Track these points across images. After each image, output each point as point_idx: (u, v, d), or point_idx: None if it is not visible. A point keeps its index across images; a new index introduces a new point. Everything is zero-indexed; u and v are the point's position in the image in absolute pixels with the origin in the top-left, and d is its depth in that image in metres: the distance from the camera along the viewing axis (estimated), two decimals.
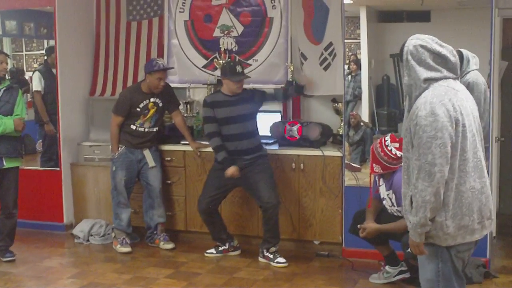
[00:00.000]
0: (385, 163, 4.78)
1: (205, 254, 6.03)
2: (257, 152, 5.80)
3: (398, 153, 4.74)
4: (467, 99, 3.21)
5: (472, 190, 3.13)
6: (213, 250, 6.05)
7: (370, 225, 4.92)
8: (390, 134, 4.93)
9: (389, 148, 4.76)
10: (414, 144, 3.12)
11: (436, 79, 3.15)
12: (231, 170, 5.68)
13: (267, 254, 5.79)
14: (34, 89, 7.29)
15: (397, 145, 4.77)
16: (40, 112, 7.28)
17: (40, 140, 7.55)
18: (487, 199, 3.20)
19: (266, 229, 5.79)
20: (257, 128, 5.90)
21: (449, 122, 3.05)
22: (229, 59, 6.48)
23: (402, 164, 3.30)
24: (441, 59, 3.17)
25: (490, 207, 3.22)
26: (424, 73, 3.15)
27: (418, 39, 3.20)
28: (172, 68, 6.83)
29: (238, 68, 5.69)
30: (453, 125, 3.06)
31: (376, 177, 5.00)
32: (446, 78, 3.17)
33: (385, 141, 4.81)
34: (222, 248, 6.04)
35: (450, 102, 3.08)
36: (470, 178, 3.13)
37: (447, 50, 3.20)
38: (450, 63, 3.19)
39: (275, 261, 5.73)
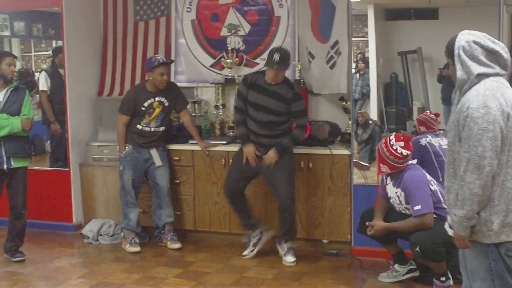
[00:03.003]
0: (392, 163, 4.77)
1: (244, 257, 5.92)
2: (281, 139, 5.67)
3: (404, 152, 4.72)
4: None
5: None
6: (248, 251, 5.94)
7: (378, 223, 4.90)
8: (394, 133, 4.91)
9: (394, 147, 4.74)
10: (462, 136, 3.08)
11: (488, 75, 3.13)
12: (248, 149, 5.67)
13: (283, 244, 5.79)
14: (40, 89, 7.34)
15: (402, 143, 4.76)
16: (46, 111, 7.32)
17: (48, 141, 7.58)
18: None
19: (281, 225, 5.78)
20: (288, 120, 5.71)
21: (501, 116, 3.03)
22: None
23: (447, 157, 3.25)
24: (493, 56, 3.14)
25: None
26: (477, 69, 3.12)
27: (470, 35, 3.17)
28: (173, 61, 6.81)
29: (275, 56, 5.51)
30: (505, 120, 3.04)
31: (384, 176, 4.98)
32: (498, 74, 3.16)
33: (390, 140, 4.79)
34: (256, 239, 5.92)
35: (502, 97, 3.07)
36: None
37: (500, 47, 3.16)
38: (503, 60, 3.16)
39: (284, 257, 5.74)
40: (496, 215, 3.08)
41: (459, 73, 3.16)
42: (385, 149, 4.78)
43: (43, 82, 7.35)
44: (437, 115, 5.49)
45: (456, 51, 3.17)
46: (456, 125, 3.14)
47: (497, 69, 3.15)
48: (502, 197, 3.08)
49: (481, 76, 3.12)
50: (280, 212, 5.73)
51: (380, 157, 4.83)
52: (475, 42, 3.14)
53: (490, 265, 3.16)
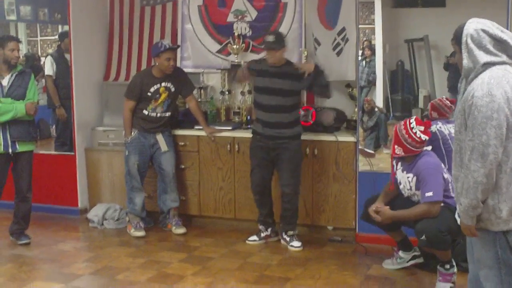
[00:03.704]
0: (408, 146, 4.69)
1: (247, 242, 5.97)
2: (290, 128, 5.68)
3: (423, 137, 4.66)
4: None
5: None
6: (255, 237, 5.99)
7: (385, 209, 4.87)
8: (415, 116, 4.86)
9: (414, 131, 4.67)
10: (468, 124, 3.08)
11: (494, 63, 3.11)
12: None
13: (284, 236, 5.85)
14: (46, 73, 7.35)
15: (422, 128, 4.68)
16: (52, 96, 7.33)
17: (54, 125, 7.60)
18: None
19: (282, 215, 5.83)
20: (295, 105, 5.73)
21: (506, 104, 3.01)
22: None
23: (454, 146, 3.25)
24: (501, 45, 3.12)
25: None
26: (484, 57, 3.10)
27: (479, 23, 3.15)
28: (179, 46, 6.80)
29: (269, 38, 5.64)
30: (510, 107, 3.03)
31: (394, 161, 4.95)
32: (504, 63, 3.13)
33: (410, 123, 4.71)
34: (264, 234, 5.99)
35: (508, 84, 3.05)
36: None
37: (508, 36, 3.14)
38: (510, 49, 3.14)
39: (290, 244, 5.78)
40: (504, 202, 3.08)
41: (465, 61, 3.15)
42: (404, 131, 4.71)
43: (48, 67, 7.37)
44: (452, 102, 5.40)
45: (464, 39, 3.15)
46: (462, 114, 3.13)
47: (504, 58, 3.13)
48: (510, 184, 3.07)
49: (487, 65, 3.10)
50: (283, 202, 5.78)
51: (397, 138, 4.75)
52: (484, 31, 3.12)
53: (497, 253, 3.17)
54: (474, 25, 3.15)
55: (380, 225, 5.03)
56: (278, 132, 5.67)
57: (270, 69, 5.67)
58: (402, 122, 4.78)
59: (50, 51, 7.99)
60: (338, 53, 6.21)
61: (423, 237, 4.59)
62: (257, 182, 5.86)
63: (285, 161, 5.68)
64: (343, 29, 6.12)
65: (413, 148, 4.71)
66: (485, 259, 3.22)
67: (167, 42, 6.22)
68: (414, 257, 5.17)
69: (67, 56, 7.14)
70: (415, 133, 4.67)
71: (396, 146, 4.77)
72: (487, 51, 3.11)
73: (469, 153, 3.05)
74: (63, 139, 7.45)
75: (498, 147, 3.00)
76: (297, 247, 5.74)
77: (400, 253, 5.20)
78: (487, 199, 3.09)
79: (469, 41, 3.13)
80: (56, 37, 7.84)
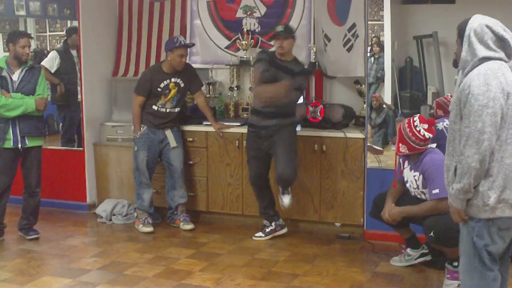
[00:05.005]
0: (412, 144, 4.71)
1: (254, 238, 5.97)
2: (285, 118, 5.65)
3: (427, 135, 4.68)
4: None
5: None
6: (261, 234, 6.00)
7: (393, 209, 4.86)
8: (418, 114, 4.87)
9: (417, 129, 4.69)
10: (464, 113, 3.18)
11: (491, 58, 3.21)
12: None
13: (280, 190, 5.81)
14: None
15: (426, 126, 4.70)
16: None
17: (60, 123, 7.60)
18: None
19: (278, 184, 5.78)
20: (295, 99, 5.71)
21: (501, 94, 3.14)
22: None
23: (448, 136, 3.33)
24: (501, 43, 3.24)
25: None
26: (483, 52, 3.21)
27: (484, 19, 3.27)
28: (193, 44, 6.79)
29: (278, 27, 5.68)
30: (505, 97, 3.15)
31: (401, 160, 4.95)
32: (500, 59, 3.24)
33: (414, 121, 4.72)
34: (269, 229, 5.99)
35: (503, 76, 3.17)
36: None
37: (509, 35, 3.25)
38: (509, 48, 3.25)
39: (280, 195, 5.77)
40: (493, 190, 3.18)
41: (464, 54, 3.27)
42: (407, 129, 4.72)
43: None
44: None
45: (467, 32, 3.26)
46: (458, 104, 3.24)
47: (502, 54, 3.25)
48: (500, 173, 3.18)
49: (484, 59, 3.21)
50: (279, 181, 5.70)
51: (401, 136, 4.76)
52: (488, 26, 3.23)
53: (473, 241, 3.28)
54: (479, 20, 3.27)
55: (389, 222, 5.02)
56: (272, 121, 5.62)
57: (278, 62, 5.65)
58: (406, 120, 4.81)
59: (58, 46, 7.99)
60: (349, 49, 6.20)
61: (432, 233, 4.59)
62: (252, 173, 5.88)
63: (282, 143, 5.60)
64: (354, 25, 6.10)
65: (417, 146, 4.72)
66: (465, 248, 3.35)
67: (182, 38, 6.23)
68: (422, 255, 5.16)
69: (73, 52, 7.16)
70: (419, 131, 4.68)
71: (400, 144, 4.79)
72: (487, 47, 3.23)
73: (465, 140, 3.16)
74: (69, 135, 7.46)
75: (493, 134, 3.12)
76: (285, 202, 5.73)
77: (408, 250, 5.19)
78: (478, 185, 3.20)
79: (472, 34, 3.25)
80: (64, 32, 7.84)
